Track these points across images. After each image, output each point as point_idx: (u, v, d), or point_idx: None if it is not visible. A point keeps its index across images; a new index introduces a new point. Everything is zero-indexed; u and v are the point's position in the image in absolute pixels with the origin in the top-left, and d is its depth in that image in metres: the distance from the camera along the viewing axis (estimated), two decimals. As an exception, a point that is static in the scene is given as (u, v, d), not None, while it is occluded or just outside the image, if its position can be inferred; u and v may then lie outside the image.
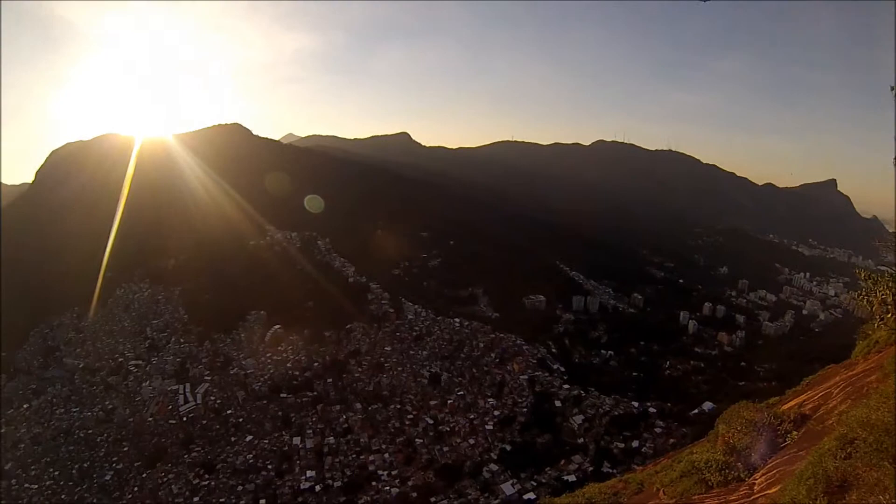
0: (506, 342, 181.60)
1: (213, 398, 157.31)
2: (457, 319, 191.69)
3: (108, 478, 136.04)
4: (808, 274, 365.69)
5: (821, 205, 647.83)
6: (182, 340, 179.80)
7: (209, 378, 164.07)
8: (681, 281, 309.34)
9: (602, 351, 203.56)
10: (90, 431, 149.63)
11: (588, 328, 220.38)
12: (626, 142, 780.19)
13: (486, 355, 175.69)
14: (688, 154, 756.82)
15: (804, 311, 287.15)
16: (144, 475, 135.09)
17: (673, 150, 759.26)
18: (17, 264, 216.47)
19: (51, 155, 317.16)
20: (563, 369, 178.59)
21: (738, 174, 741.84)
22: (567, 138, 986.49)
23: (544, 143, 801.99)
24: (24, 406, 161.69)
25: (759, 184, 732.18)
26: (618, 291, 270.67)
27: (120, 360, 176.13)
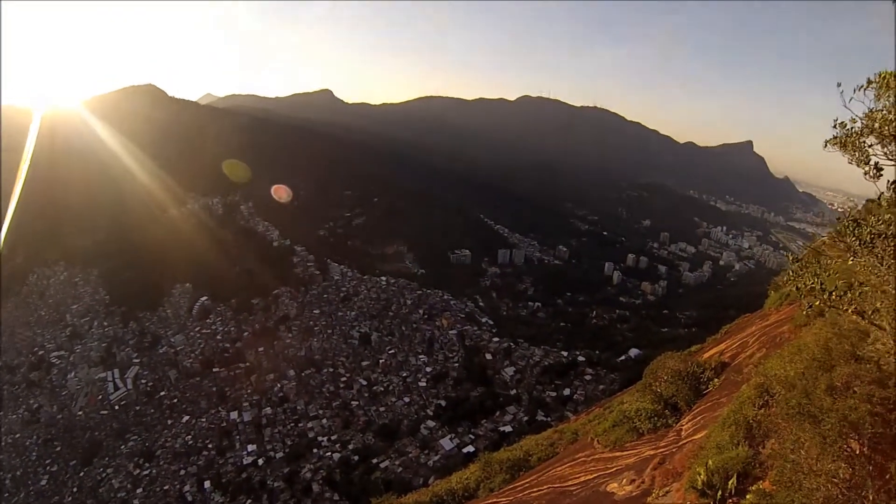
0: (433, 298, 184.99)
1: (144, 381, 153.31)
2: (383, 278, 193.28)
3: (43, 483, 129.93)
4: (724, 227, 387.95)
5: (737, 164, 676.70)
6: (105, 324, 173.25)
7: (138, 360, 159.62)
8: (605, 233, 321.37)
9: (529, 303, 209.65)
10: (17, 436, 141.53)
11: (514, 281, 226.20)
12: (551, 97, 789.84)
13: (414, 312, 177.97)
14: (612, 111, 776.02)
15: (721, 262, 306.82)
16: (82, 474, 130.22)
17: (598, 106, 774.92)
18: None
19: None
20: (491, 322, 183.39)
21: (662, 132, 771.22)
22: (492, 94, 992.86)
23: (469, 98, 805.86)
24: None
25: (681, 142, 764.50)
26: (543, 244, 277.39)
27: (40, 353, 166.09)
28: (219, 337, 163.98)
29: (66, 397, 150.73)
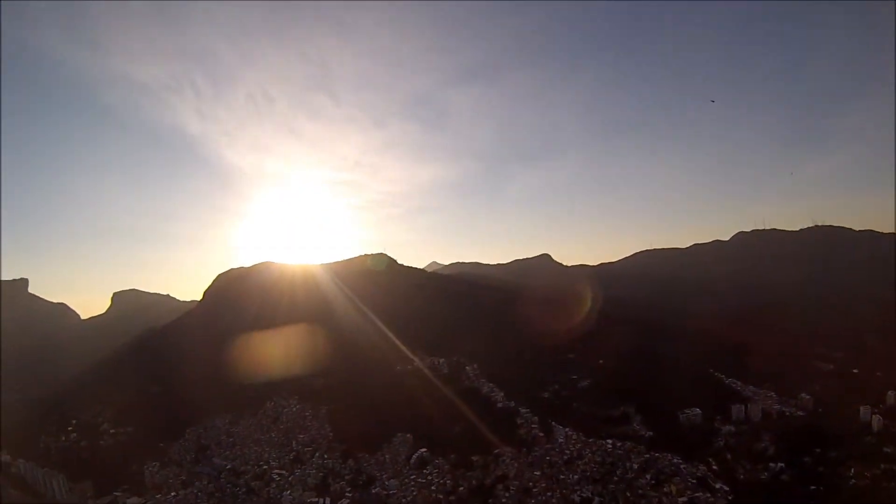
0: (661, 462, 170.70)
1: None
2: (609, 441, 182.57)
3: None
4: None
5: None
6: (326, 456, 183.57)
7: (350, 494, 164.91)
8: (855, 371, 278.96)
9: (770, 464, 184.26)
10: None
11: (752, 439, 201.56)
12: (767, 228, 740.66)
13: (640, 477, 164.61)
14: (836, 226, 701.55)
15: None
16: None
17: (818, 224, 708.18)
18: (185, 366, 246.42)
19: (217, 278, 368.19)
20: (726, 488, 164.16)
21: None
22: (705, 237, 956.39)
23: (683, 245, 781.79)
24: (172, 494, 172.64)
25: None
26: (782, 394, 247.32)
27: (265, 467, 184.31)
28: (433, 487, 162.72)
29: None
